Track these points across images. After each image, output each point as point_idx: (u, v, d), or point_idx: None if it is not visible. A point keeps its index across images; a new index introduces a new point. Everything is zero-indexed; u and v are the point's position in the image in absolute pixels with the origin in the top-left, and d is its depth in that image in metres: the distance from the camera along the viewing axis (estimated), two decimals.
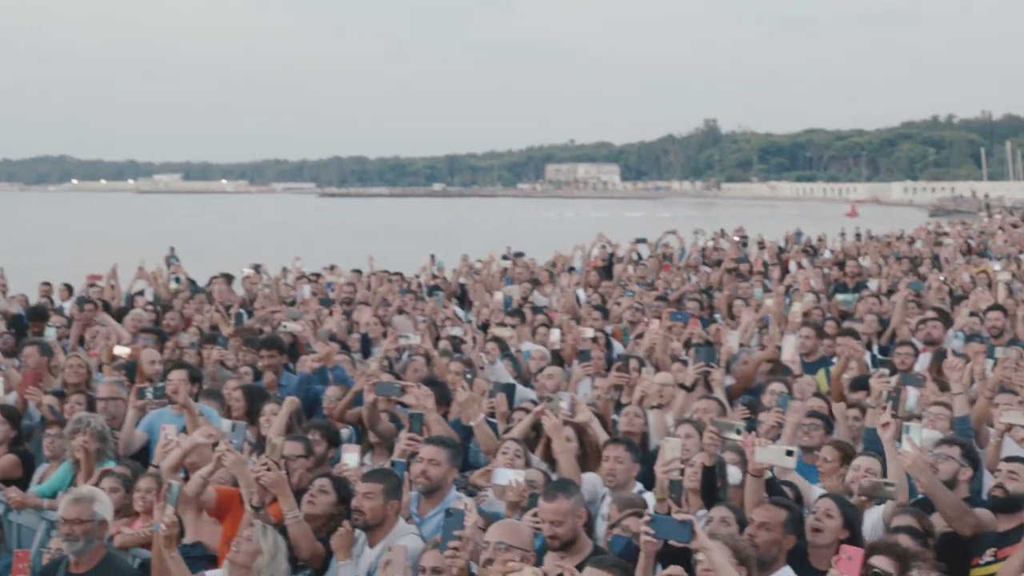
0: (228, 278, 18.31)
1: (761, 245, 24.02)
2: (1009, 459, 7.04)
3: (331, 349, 10.68)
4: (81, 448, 8.09)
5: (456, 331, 12.38)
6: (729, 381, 10.50)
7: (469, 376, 9.22)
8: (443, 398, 9.31)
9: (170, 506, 6.36)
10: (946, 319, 12.87)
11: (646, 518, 5.47)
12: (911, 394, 9.46)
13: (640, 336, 12.12)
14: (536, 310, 14.59)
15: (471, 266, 19.90)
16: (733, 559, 5.59)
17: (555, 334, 12.30)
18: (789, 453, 6.50)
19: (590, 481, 7.55)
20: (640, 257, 22.33)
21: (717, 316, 15.06)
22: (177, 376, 9.10)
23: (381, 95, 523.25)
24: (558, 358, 11.90)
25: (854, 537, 6.18)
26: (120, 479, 7.66)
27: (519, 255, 21.58)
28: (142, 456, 8.66)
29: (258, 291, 17.04)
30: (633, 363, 10.18)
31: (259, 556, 6.15)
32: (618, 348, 12.42)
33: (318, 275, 19.24)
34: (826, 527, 6.22)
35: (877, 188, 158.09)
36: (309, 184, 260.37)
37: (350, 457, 7.53)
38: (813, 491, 7.11)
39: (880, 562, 5.46)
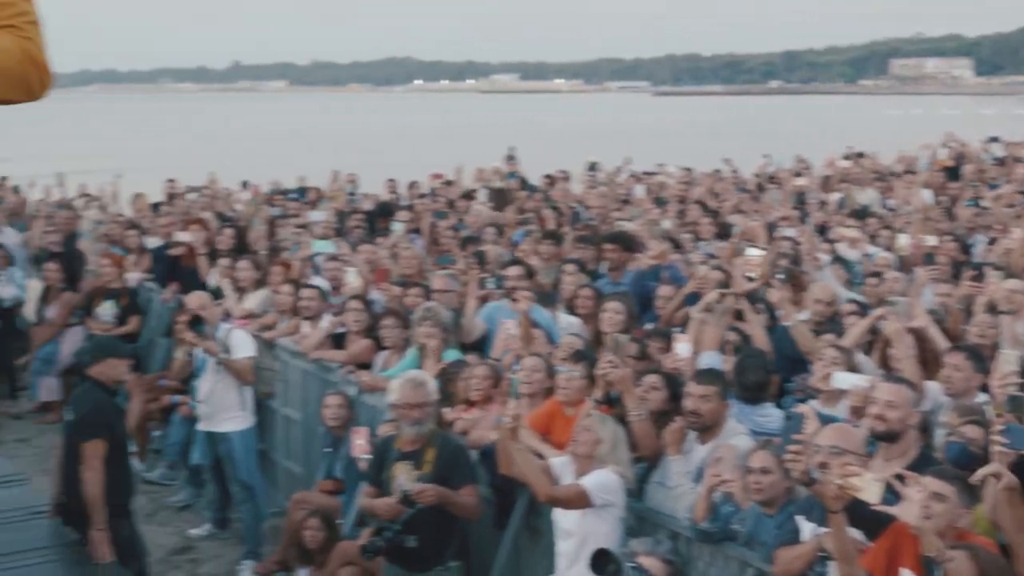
0: (565, 177, 18.74)
1: None
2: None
3: (665, 248, 10.76)
4: (428, 337, 8.46)
5: (790, 232, 12.13)
6: None
7: None
8: None
9: (512, 399, 6.61)
10: None
11: (999, 426, 5.06)
12: None
13: (994, 241, 11.48)
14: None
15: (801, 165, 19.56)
16: None
17: (901, 239, 11.82)
18: None
19: (931, 389, 7.27)
20: (992, 157, 21.02)
21: None
22: (514, 272, 9.41)
23: None
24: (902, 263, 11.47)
25: None
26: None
27: (860, 155, 20.87)
28: (480, 345, 8.98)
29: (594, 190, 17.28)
30: (988, 270, 9.64)
31: (600, 445, 6.30)
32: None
33: (652, 173, 19.32)
34: None
35: None
36: (643, 83, 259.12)
37: (682, 347, 7.56)
38: None
39: None
